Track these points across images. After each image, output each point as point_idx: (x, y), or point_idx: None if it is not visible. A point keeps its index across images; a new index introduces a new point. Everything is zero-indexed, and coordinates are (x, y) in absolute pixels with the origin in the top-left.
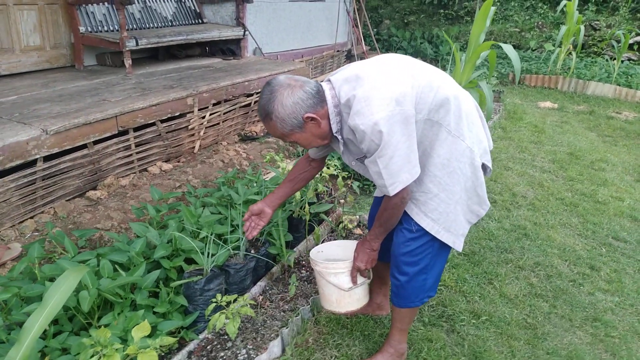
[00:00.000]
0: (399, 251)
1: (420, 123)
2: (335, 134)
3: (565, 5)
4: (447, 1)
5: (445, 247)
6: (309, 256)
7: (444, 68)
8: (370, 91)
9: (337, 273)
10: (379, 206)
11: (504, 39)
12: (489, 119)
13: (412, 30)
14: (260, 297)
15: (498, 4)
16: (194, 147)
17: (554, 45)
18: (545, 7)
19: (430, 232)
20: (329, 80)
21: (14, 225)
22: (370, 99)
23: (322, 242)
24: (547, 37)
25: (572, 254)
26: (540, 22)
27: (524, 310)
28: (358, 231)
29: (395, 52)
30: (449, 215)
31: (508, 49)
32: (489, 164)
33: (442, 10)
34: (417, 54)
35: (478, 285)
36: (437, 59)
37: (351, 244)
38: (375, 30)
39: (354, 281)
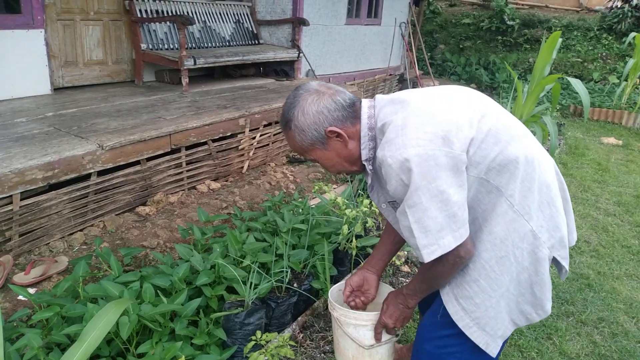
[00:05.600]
0: (422, 333)
1: (474, 182)
2: (364, 162)
3: (634, 38)
4: (505, 28)
5: (483, 351)
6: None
7: (501, 97)
8: (413, 118)
9: (358, 325)
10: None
11: (565, 69)
12: (552, 155)
13: (468, 55)
14: (301, 335)
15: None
16: (242, 167)
17: (618, 78)
18: (610, 37)
19: (457, 323)
20: (374, 98)
21: (63, 237)
22: (408, 127)
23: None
24: (612, 69)
25: (639, 310)
26: (604, 53)
27: None
28: (405, 268)
29: (449, 78)
30: (487, 310)
31: (577, 84)
32: (565, 263)
33: (500, 37)
34: (471, 80)
35: (535, 340)
36: (493, 87)
37: (382, 287)
38: (429, 54)
39: (377, 338)
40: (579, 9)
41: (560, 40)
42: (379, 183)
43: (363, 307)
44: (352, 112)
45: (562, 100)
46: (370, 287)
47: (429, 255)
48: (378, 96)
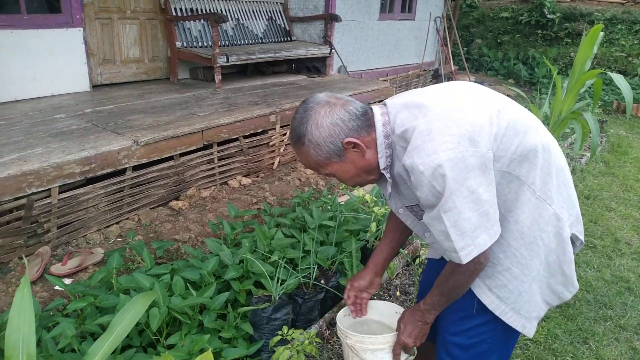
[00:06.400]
0: (448, 329)
1: (495, 175)
2: (382, 171)
3: None
4: (545, 21)
5: (512, 331)
6: (336, 322)
7: (541, 93)
8: (436, 122)
9: (376, 349)
10: (433, 273)
11: (608, 64)
12: (594, 154)
13: (506, 50)
14: (327, 332)
15: (603, 26)
16: (273, 163)
17: None
18: None
19: (494, 312)
20: (384, 104)
21: (100, 230)
22: (434, 132)
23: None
24: None
25: None
26: None
27: None
28: None
29: (486, 73)
30: (521, 294)
31: (619, 79)
32: (581, 236)
33: (539, 31)
34: (509, 75)
35: (571, 344)
36: (532, 82)
37: (386, 307)
38: (465, 49)
39: (396, 359)
40: (624, 2)
41: (602, 34)
42: (396, 190)
43: (364, 304)
44: (366, 120)
45: (604, 97)
46: (372, 288)
47: (466, 256)
48: (389, 101)
